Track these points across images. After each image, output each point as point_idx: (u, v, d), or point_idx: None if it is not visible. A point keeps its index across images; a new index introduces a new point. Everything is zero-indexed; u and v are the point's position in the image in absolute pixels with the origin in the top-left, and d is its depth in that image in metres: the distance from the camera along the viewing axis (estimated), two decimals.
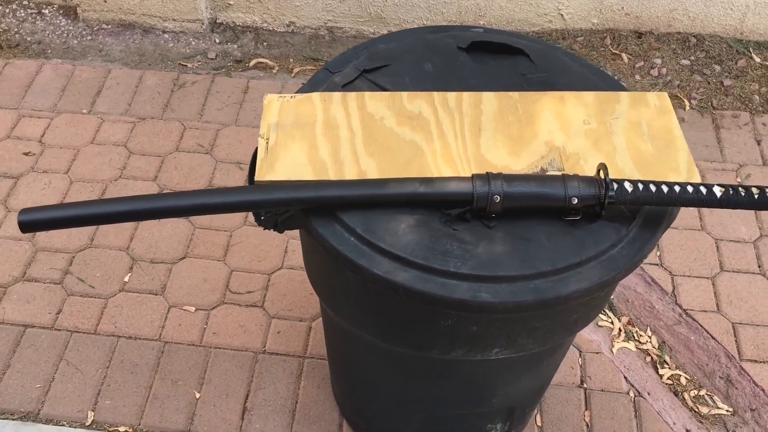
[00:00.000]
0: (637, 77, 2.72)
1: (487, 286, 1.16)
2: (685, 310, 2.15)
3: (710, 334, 2.11)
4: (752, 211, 2.36)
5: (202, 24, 2.98)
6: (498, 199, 1.21)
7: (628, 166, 1.29)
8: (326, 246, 1.22)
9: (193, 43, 2.96)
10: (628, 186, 1.22)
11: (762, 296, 2.18)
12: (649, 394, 2.01)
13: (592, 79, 1.48)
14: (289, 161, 1.28)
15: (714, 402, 2.01)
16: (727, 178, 2.44)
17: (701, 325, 2.13)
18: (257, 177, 1.26)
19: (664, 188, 1.22)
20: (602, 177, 1.22)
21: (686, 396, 2.01)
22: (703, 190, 1.22)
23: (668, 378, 2.04)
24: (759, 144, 2.53)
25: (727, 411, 1.99)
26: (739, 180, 2.43)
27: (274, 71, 2.85)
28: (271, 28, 3.03)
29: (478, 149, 1.32)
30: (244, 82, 2.76)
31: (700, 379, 2.05)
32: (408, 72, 1.48)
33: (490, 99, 1.40)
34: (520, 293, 1.16)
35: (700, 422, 1.97)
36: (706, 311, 2.15)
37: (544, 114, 1.38)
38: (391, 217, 1.23)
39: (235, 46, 2.96)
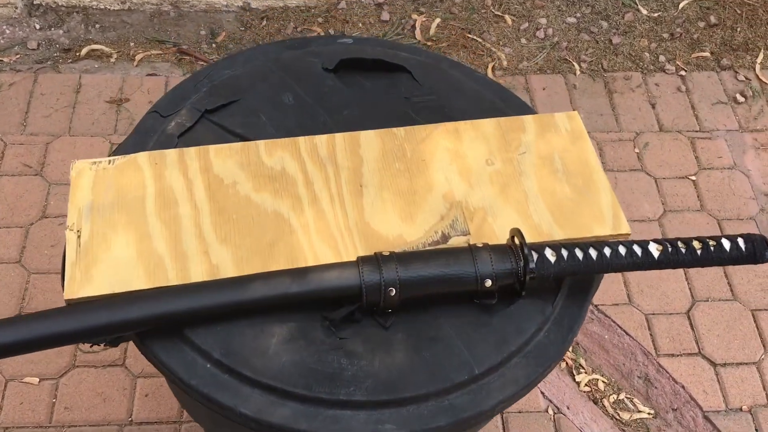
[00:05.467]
0: (523, 41, 2.48)
1: (390, 412, 0.90)
2: (596, 305, 2.00)
3: (624, 330, 1.96)
4: (653, 185, 2.21)
5: (16, 7, 2.49)
6: (393, 291, 0.94)
7: (545, 219, 1.05)
8: (174, 380, 0.92)
9: (8, 31, 2.46)
10: (550, 255, 0.98)
11: (671, 280, 2.05)
12: (568, 408, 1.85)
13: (487, 97, 1.22)
14: (111, 263, 0.96)
15: (635, 405, 1.88)
16: (624, 148, 2.27)
17: (614, 321, 1.98)
18: (66, 295, 0.93)
19: (593, 253, 0.99)
20: (518, 244, 0.98)
21: (606, 402, 1.87)
22: (638, 250, 1.00)
23: (586, 384, 1.89)
24: (654, 108, 2.37)
25: (648, 414, 1.87)
26: (637, 151, 2.27)
27: (112, 60, 2.42)
28: (102, 7, 2.57)
29: (362, 215, 1.03)
30: (76, 78, 2.32)
31: (618, 380, 1.91)
32: (263, 107, 1.17)
33: (370, 140, 1.12)
34: (432, 417, 0.91)
35: (623, 430, 1.84)
36: (617, 304, 2.00)
37: (438, 155, 1.11)
38: (258, 329, 0.94)
39: (61, 31, 2.49)
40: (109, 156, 1.08)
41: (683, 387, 1.90)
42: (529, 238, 1.02)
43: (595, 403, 1.88)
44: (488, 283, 0.95)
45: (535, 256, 0.97)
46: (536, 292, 1.00)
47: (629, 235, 1.07)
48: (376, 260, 0.95)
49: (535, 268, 0.96)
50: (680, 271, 2.06)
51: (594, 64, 2.47)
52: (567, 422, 1.82)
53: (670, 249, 1.00)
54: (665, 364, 1.92)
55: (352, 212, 1.03)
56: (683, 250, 1.00)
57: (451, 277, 0.95)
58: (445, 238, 1.02)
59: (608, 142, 2.30)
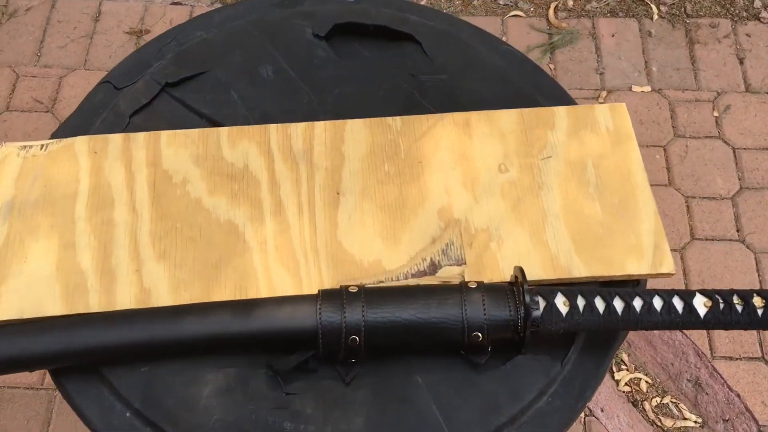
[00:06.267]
0: None
1: None
2: None
3: None
4: (731, 156, 1.92)
5: None
6: (357, 340, 0.75)
7: (564, 249, 0.83)
8: (88, 425, 0.77)
9: None
10: (561, 304, 0.77)
11: (739, 271, 1.78)
12: (602, 411, 1.65)
13: (513, 78, 0.98)
14: (24, 279, 0.80)
15: (680, 411, 1.67)
16: (701, 111, 1.97)
17: None
18: None
19: (618, 305, 0.77)
20: (520, 286, 0.77)
21: (647, 406, 1.67)
22: (679, 306, 0.77)
23: (626, 383, 1.69)
24: (741, 63, 2.04)
25: (695, 422, 1.66)
26: (716, 114, 1.97)
27: None
28: None
29: (334, 232, 0.84)
30: (96, 5, 2.14)
31: (663, 382, 1.69)
32: (236, 81, 0.97)
33: (357, 132, 0.91)
34: None
35: None
36: None
37: (439, 156, 0.89)
38: (189, 374, 0.77)
39: None
40: (50, 138, 0.91)
41: (738, 396, 1.67)
42: (542, 274, 0.82)
43: (635, 405, 1.67)
44: (478, 336, 0.76)
45: (541, 304, 0.76)
46: (541, 344, 0.80)
47: (672, 274, 0.84)
48: (339, 297, 0.76)
49: (540, 320, 0.76)
50: (750, 257, 1.79)
51: (676, 8, 2.13)
52: (599, 427, 1.63)
53: (722, 306, 0.77)
54: (721, 367, 1.69)
55: (322, 227, 0.84)
56: (739, 308, 0.77)
57: (430, 326, 0.76)
58: (435, 267, 0.82)
59: (682, 102, 2.00)
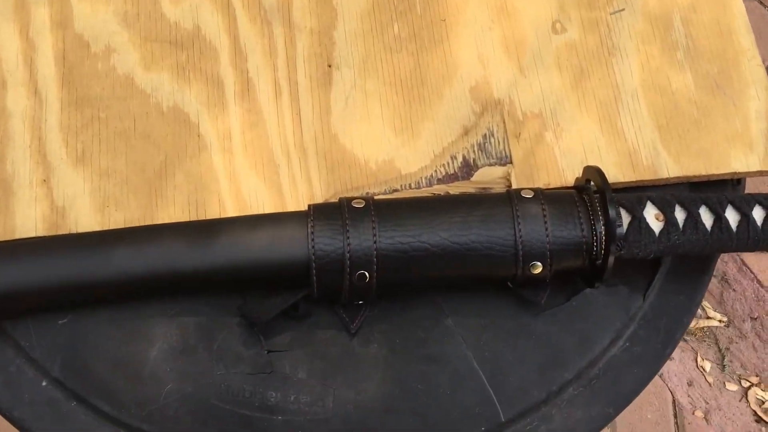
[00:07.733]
0: None
1: None
2: None
3: None
4: None
5: None
6: (367, 276, 0.52)
7: (647, 139, 0.60)
8: None
9: None
10: (652, 219, 0.55)
11: None
12: None
13: None
14: None
15: (703, 310, 1.51)
16: None
17: None
18: None
19: (731, 218, 0.55)
20: (594, 193, 0.54)
21: None
22: None
23: None
24: None
25: (720, 321, 1.50)
26: None
27: None
28: None
29: (327, 121, 0.60)
30: None
31: None
32: None
33: None
34: None
35: (684, 340, 1.48)
36: None
37: (470, 11, 0.64)
38: (129, 328, 0.54)
39: None
40: None
41: None
42: (618, 174, 0.60)
43: None
44: (537, 266, 0.53)
45: (625, 219, 0.54)
46: (616, 273, 0.58)
47: None
48: (339, 214, 0.53)
49: (625, 243, 0.54)
50: None
51: None
52: None
53: None
54: (750, 261, 1.52)
55: (309, 115, 0.59)
56: None
57: (470, 254, 0.53)
58: (469, 168, 0.59)
59: None
